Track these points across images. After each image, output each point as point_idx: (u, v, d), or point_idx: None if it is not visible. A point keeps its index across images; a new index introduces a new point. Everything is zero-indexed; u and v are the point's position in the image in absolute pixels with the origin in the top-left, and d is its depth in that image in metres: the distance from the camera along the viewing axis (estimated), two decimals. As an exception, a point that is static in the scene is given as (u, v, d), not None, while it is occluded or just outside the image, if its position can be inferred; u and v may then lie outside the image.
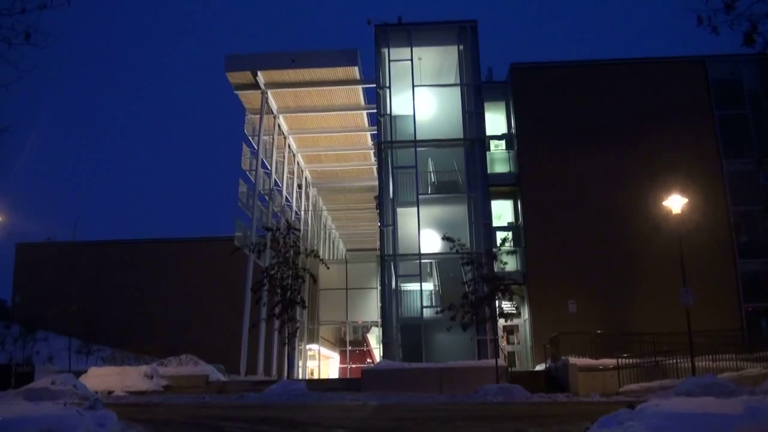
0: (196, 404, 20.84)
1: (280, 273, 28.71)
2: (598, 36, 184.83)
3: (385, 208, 33.78)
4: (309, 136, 46.23)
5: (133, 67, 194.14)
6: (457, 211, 33.64)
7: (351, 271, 48.72)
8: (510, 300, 29.30)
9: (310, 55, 38.76)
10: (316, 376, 47.39)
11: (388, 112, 34.76)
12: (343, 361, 52.34)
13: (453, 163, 34.75)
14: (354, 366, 49.21)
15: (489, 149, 35.40)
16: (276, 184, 43.60)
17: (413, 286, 33.17)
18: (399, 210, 33.74)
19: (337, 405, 19.51)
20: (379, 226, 34.68)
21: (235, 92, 40.36)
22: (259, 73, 38.53)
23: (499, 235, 33.22)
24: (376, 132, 37.17)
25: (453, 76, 36.22)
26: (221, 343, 38.73)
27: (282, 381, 27.43)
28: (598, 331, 28.54)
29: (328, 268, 39.35)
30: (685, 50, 44.75)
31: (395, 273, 33.07)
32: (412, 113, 34.46)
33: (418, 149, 34.06)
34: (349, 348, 51.54)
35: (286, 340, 29.54)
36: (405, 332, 32.10)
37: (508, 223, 36.32)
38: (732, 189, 33.43)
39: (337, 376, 49.36)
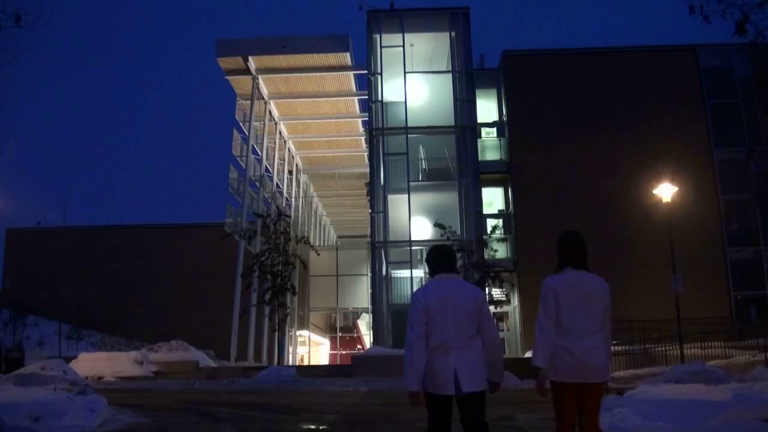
0: (186, 390, 20.83)
1: (270, 259, 28.74)
2: (590, 24, 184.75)
3: (376, 194, 33.76)
4: (300, 122, 46.10)
5: (124, 52, 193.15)
6: (448, 199, 33.64)
7: (341, 258, 48.73)
8: (500, 287, 29.38)
9: (301, 41, 38.61)
10: (306, 363, 47.46)
11: (380, 98, 34.68)
12: (333, 347, 52.41)
13: (444, 150, 34.71)
14: (344, 352, 49.29)
15: (480, 136, 35.41)
16: (267, 170, 43.49)
17: (404, 273, 33.23)
18: (390, 197, 33.72)
19: (328, 391, 19.53)
20: (370, 213, 34.66)
21: (226, 77, 40.21)
22: (250, 58, 38.35)
23: (490, 223, 33.30)
24: (367, 118, 37.11)
25: (445, 63, 36.15)
26: (211, 329, 38.78)
27: (272, 367, 27.50)
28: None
29: (318, 254, 39.43)
30: (676, 38, 44.86)
31: (386, 260, 33.11)
32: (403, 100, 34.38)
33: (409, 136, 33.99)
34: (339, 334, 51.65)
35: (277, 326, 29.62)
36: (395, 318, 32.15)
37: (499, 210, 36.38)
38: (722, 177, 33.55)
39: (327, 363, 49.43)
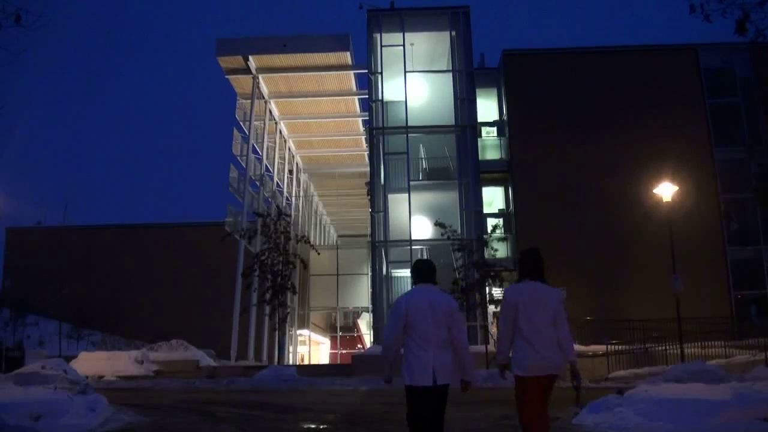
0: (186, 389, 20.86)
1: (270, 258, 28.74)
2: (590, 23, 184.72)
3: (377, 194, 33.74)
4: (300, 122, 46.10)
5: (124, 51, 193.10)
6: (448, 198, 33.61)
7: (342, 257, 48.76)
8: (500, 286, 29.33)
9: (301, 40, 38.62)
10: (306, 362, 47.46)
11: (380, 97, 34.65)
12: (333, 346, 52.43)
13: (444, 149, 34.69)
14: (345, 351, 49.31)
15: (480, 136, 35.38)
16: (267, 169, 43.50)
17: (404, 272, 33.19)
18: (390, 196, 33.69)
19: (328, 390, 19.55)
20: (370, 212, 34.65)
21: (226, 76, 40.22)
22: (250, 57, 38.37)
23: (490, 222, 33.24)
24: (367, 118, 37.10)
25: (445, 62, 36.11)
26: (212, 329, 38.78)
27: (272, 366, 27.51)
28: (588, 318, 28.65)
29: (318, 253, 39.37)
30: (677, 38, 44.82)
31: (386, 259, 33.09)
32: (403, 99, 34.34)
33: (409, 135, 33.96)
34: (339, 334, 51.66)
35: (277, 326, 29.61)
36: (395, 318, 32.04)
37: (499, 209, 36.36)
38: (723, 177, 33.51)
39: (327, 362, 49.44)
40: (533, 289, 6.47)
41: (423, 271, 6.56)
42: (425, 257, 34.72)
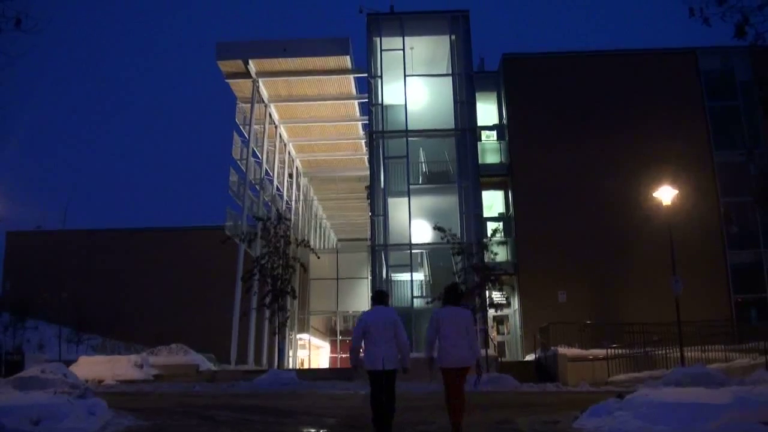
0: (186, 393, 20.83)
1: (270, 262, 28.69)
2: (590, 26, 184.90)
3: (376, 197, 33.70)
4: (300, 126, 46.09)
5: (124, 54, 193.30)
6: (448, 202, 33.59)
7: (342, 261, 48.67)
8: (500, 290, 29.32)
9: (301, 44, 38.66)
10: (306, 366, 47.39)
11: (380, 101, 34.63)
12: (333, 350, 52.32)
13: (444, 153, 34.69)
14: (344, 355, 49.17)
15: (480, 139, 35.38)
16: (267, 173, 43.50)
17: (404, 276, 33.19)
18: (390, 200, 33.66)
19: (328, 394, 19.53)
20: (370, 216, 34.61)
21: (226, 80, 40.22)
22: (250, 61, 38.41)
23: (490, 226, 33.20)
24: (367, 121, 37.09)
25: (445, 66, 36.09)
26: (212, 333, 38.76)
27: (272, 370, 27.43)
28: (588, 321, 28.61)
29: (318, 257, 39.28)
30: (676, 41, 44.84)
31: (386, 263, 33.04)
32: (403, 103, 34.31)
33: (409, 139, 33.94)
34: (339, 337, 51.56)
35: (277, 330, 29.55)
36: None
37: (499, 213, 36.34)
38: (722, 180, 33.52)
39: (327, 366, 49.35)
40: (451, 311, 9.54)
41: (379, 297, 10.22)
42: (425, 262, 34.98)
